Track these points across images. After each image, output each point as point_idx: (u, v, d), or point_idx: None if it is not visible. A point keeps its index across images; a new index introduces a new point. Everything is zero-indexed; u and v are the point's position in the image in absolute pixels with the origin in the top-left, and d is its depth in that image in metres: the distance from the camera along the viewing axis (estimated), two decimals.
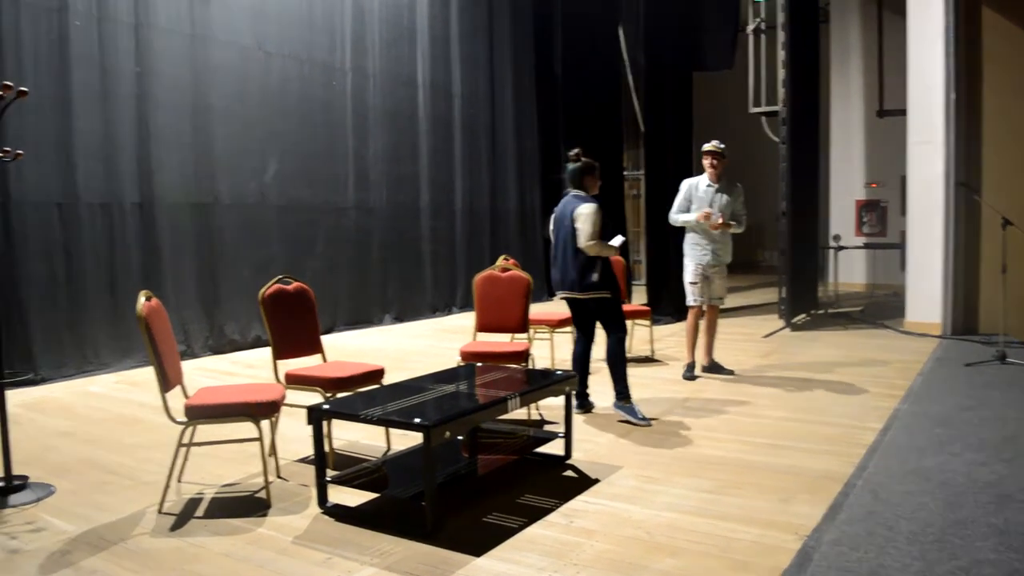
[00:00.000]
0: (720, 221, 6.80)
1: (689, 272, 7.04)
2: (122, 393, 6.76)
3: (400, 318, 11.07)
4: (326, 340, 9.39)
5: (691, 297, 7.05)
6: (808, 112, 10.98)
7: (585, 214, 5.50)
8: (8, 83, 4.24)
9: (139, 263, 7.91)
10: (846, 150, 14.72)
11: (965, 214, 9.15)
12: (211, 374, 7.56)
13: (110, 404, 6.34)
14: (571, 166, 5.82)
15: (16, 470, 4.39)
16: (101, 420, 5.86)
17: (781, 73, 10.15)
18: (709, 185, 6.97)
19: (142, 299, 4.06)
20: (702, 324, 7.24)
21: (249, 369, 7.75)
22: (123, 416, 5.90)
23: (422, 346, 9.20)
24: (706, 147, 7.01)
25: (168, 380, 4.08)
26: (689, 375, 7.07)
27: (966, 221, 9.17)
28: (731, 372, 7.23)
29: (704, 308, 7.13)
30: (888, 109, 13.49)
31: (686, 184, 7.09)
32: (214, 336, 8.54)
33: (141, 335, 4.00)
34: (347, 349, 8.93)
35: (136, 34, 7.85)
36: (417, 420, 3.67)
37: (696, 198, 6.96)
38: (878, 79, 13.89)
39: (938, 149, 9.17)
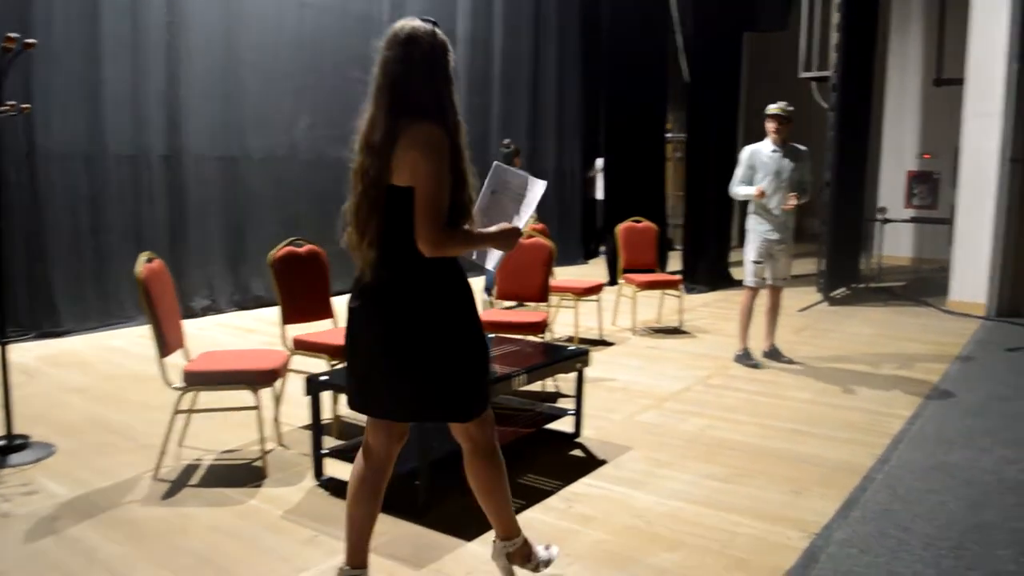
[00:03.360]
0: (793, 202, 6.19)
1: (752, 250, 6.40)
2: (142, 348, 6.72)
3: None
4: None
5: (751, 277, 6.43)
6: (861, 78, 10.53)
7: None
8: (12, 35, 4.14)
9: (165, 216, 7.88)
10: (900, 119, 14.15)
11: (1020, 192, 8.73)
12: (233, 331, 7.54)
13: (127, 359, 6.33)
14: (505, 151, 8.10)
15: (22, 427, 4.40)
16: (115, 376, 5.86)
17: (834, 37, 9.74)
18: (774, 151, 6.32)
19: (142, 260, 3.98)
20: (758, 307, 6.59)
21: (272, 327, 7.66)
22: (137, 373, 5.86)
23: None
24: (771, 109, 6.33)
25: (167, 344, 4.01)
26: (750, 362, 6.45)
27: (1020, 199, 8.75)
28: (790, 361, 6.59)
29: (763, 289, 6.52)
30: (946, 78, 12.92)
31: (747, 151, 6.42)
32: (239, 292, 8.51)
33: (139, 298, 3.93)
34: None
35: None
36: None
37: (760, 165, 6.32)
38: (937, 46, 13.30)
39: (995, 122, 8.73)
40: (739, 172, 6.43)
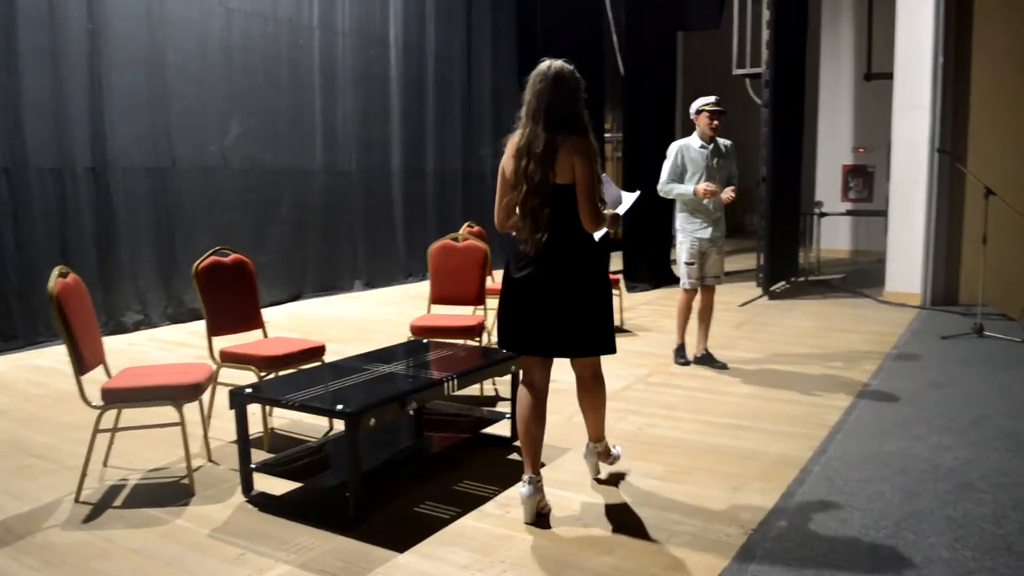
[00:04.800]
0: (731, 195, 6.01)
1: (685, 251, 6.23)
2: (68, 367, 6.45)
3: (371, 284, 10.80)
4: (291, 308, 9.31)
5: (685, 280, 6.27)
6: (793, 74, 10.66)
7: None
8: None
9: (92, 230, 7.61)
10: (834, 114, 14.40)
11: (949, 182, 8.90)
12: (166, 345, 7.33)
13: (52, 378, 6.10)
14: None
15: None
16: (39, 397, 5.64)
17: (765, 33, 9.83)
18: (702, 146, 6.13)
19: (55, 275, 3.81)
20: (695, 306, 6.43)
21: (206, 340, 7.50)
22: (62, 392, 5.62)
23: (389, 314, 8.96)
24: (706, 104, 6.09)
25: (84, 362, 3.85)
26: (682, 360, 6.41)
27: (950, 189, 8.92)
28: (724, 366, 6.32)
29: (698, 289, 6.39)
30: (876, 72, 13.15)
31: (675, 147, 6.18)
32: (172, 305, 8.27)
33: (53, 315, 3.77)
34: (310, 318, 8.72)
35: None
36: (340, 407, 3.45)
37: (689, 161, 6.10)
38: (867, 41, 13.53)
39: (924, 114, 8.90)
40: (668, 168, 6.19)
